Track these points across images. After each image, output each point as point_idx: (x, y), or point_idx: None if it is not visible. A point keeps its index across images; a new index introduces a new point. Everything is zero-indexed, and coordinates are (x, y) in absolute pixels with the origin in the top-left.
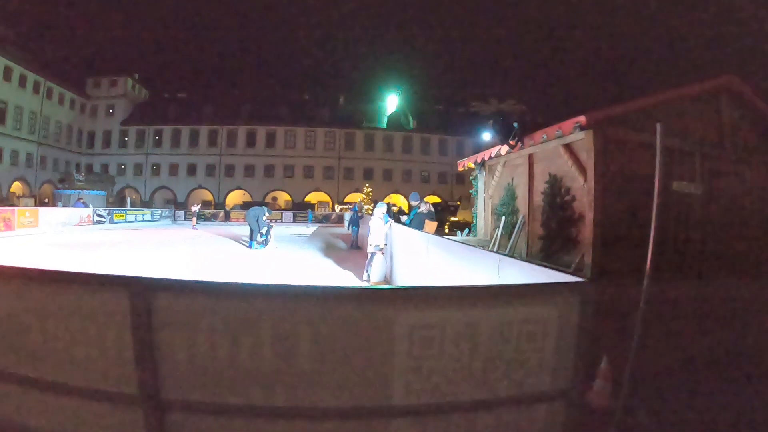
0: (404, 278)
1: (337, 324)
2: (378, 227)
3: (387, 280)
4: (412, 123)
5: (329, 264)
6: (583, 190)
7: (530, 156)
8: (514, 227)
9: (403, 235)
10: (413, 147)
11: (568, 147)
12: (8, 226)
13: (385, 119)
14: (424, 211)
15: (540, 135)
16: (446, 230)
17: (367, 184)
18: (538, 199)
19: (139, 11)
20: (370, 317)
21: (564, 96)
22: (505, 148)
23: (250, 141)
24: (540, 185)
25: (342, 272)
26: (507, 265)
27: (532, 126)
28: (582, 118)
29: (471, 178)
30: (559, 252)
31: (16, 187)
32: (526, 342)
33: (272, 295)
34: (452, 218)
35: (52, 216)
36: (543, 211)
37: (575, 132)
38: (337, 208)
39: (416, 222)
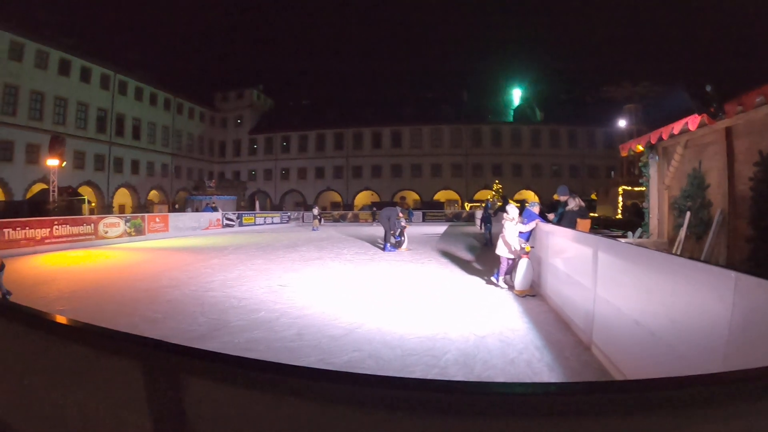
0: (559, 291)
1: None
2: (510, 231)
3: (534, 288)
4: (539, 115)
5: (463, 269)
6: None
7: (726, 130)
8: (705, 226)
9: (556, 236)
10: (541, 140)
11: None
12: (139, 231)
13: (511, 113)
14: (575, 208)
15: (754, 97)
16: None
17: (497, 181)
18: (744, 187)
19: (260, 26)
20: None
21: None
22: (695, 122)
23: (376, 142)
24: (746, 169)
25: (472, 279)
26: (750, 288)
27: (734, 88)
28: None
29: (640, 164)
30: None
31: (153, 195)
32: None
33: (409, 399)
34: (590, 214)
35: (181, 221)
36: (753, 204)
37: None
38: (467, 206)
39: (566, 221)
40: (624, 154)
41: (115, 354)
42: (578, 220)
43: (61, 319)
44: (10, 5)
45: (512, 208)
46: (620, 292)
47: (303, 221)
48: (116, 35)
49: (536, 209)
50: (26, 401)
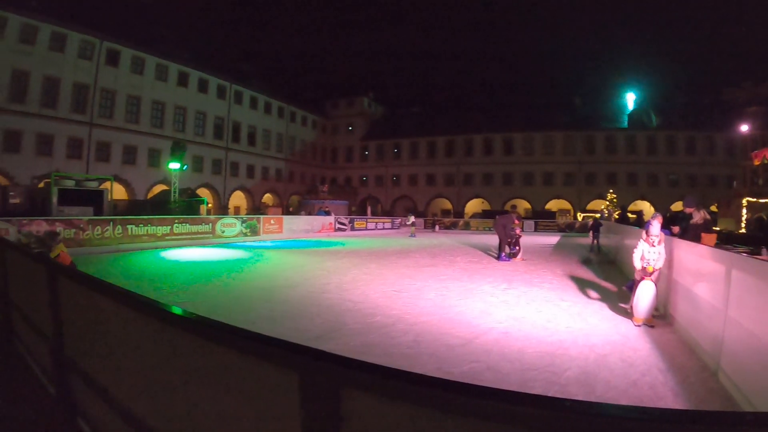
0: (684, 310)
1: None
2: (639, 249)
3: (660, 314)
4: (654, 120)
5: (579, 282)
6: None
7: None
8: None
9: (682, 251)
10: (658, 147)
11: None
12: (255, 232)
13: (625, 118)
14: (699, 221)
15: None
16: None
17: (611, 190)
18: None
19: (370, 35)
20: None
21: None
22: None
23: (487, 149)
24: None
25: (590, 293)
26: None
27: None
28: None
29: None
30: None
31: (267, 197)
32: None
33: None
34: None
35: (294, 223)
36: None
37: None
38: (580, 216)
39: (690, 235)
40: (757, 162)
41: (264, 360)
42: (702, 234)
43: (203, 320)
44: (133, 24)
45: (656, 225)
46: (756, 315)
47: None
48: (231, 48)
49: (658, 220)
50: (159, 397)
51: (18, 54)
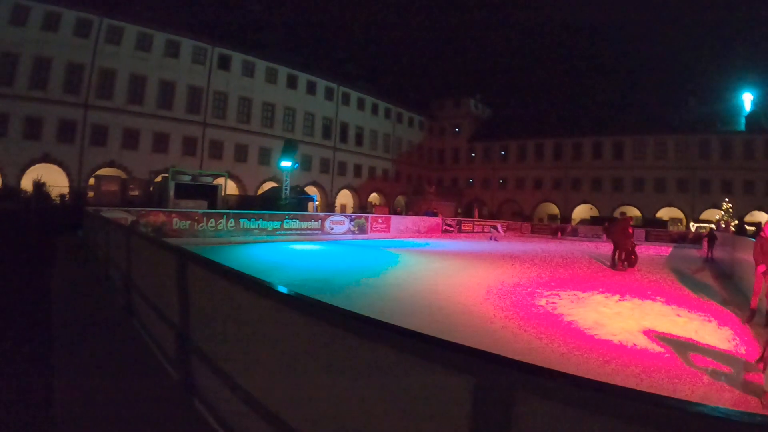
0: None
1: None
2: None
3: None
4: None
5: (701, 298)
6: None
7: None
8: None
9: None
10: None
11: None
12: (362, 230)
13: (742, 120)
14: None
15: None
16: None
17: (726, 199)
18: None
19: (478, 34)
20: None
21: None
22: None
23: (597, 153)
24: None
25: (710, 313)
26: None
27: None
28: None
29: None
30: None
31: (373, 197)
32: None
33: None
34: None
35: (402, 223)
36: None
37: None
38: (693, 226)
39: None
40: None
41: (431, 361)
42: None
43: (358, 316)
44: (244, 31)
45: None
46: None
47: (520, 231)
48: (338, 51)
49: None
50: (297, 393)
51: (135, 60)
